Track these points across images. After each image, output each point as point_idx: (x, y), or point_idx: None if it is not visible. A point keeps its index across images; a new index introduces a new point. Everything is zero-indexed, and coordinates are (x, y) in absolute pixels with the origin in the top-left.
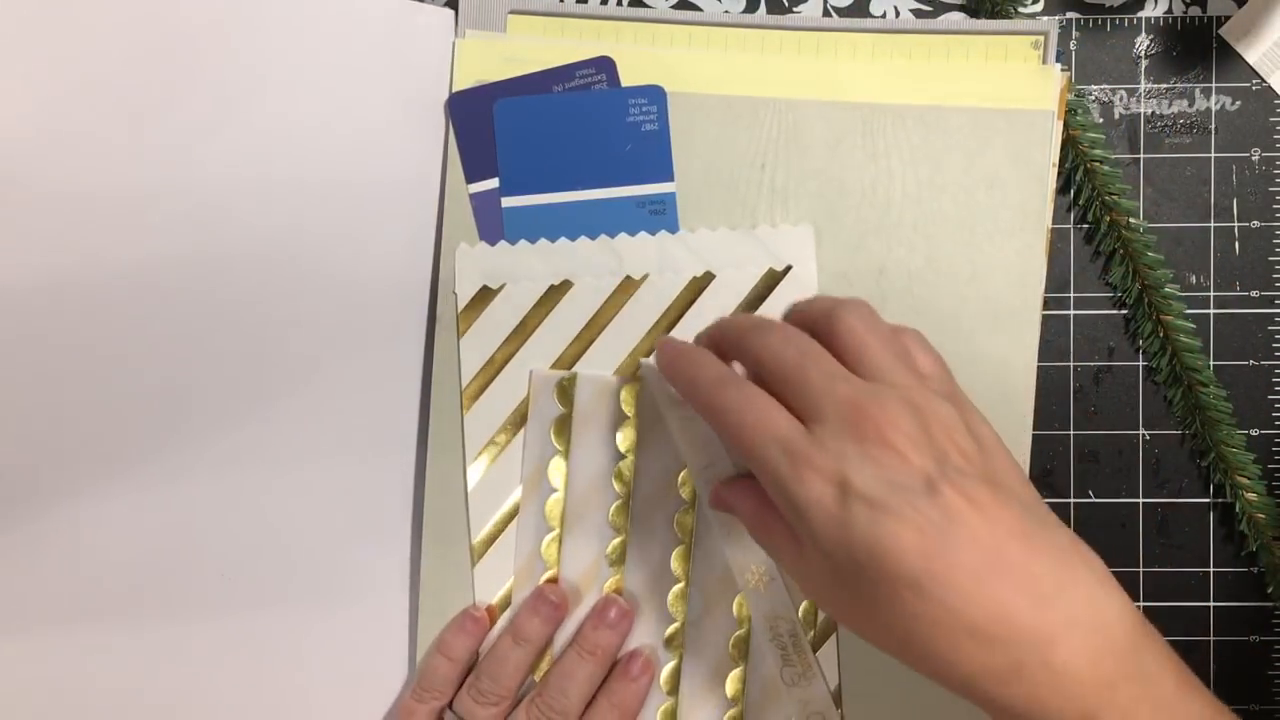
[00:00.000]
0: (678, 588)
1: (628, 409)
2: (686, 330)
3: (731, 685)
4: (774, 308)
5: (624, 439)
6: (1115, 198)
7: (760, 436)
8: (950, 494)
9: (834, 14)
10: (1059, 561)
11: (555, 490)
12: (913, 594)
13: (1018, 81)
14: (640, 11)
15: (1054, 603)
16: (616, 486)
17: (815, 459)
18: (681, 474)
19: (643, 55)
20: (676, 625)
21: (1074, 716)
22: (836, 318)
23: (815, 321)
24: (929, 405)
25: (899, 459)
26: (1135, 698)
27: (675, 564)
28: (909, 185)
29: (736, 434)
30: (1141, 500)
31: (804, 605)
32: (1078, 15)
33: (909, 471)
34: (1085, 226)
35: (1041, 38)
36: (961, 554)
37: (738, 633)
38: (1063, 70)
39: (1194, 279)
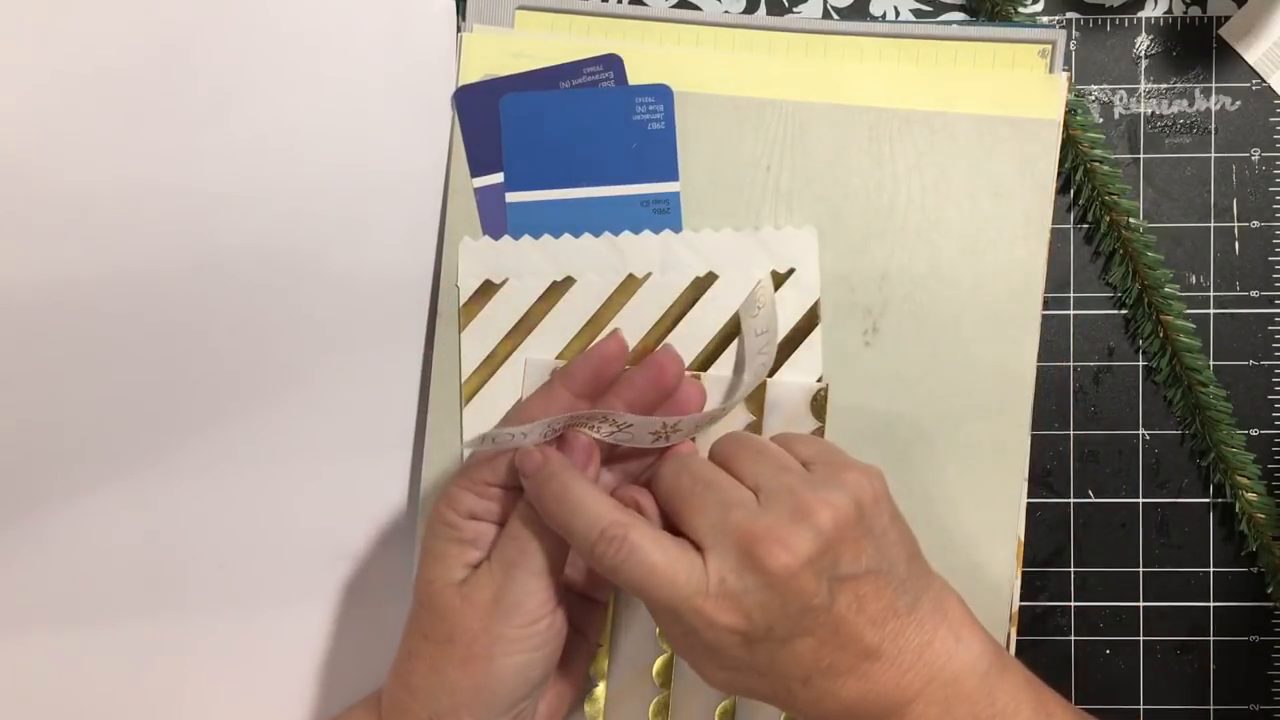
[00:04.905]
0: None
1: None
2: (687, 331)
3: None
4: (777, 309)
5: None
6: (1115, 198)
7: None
8: (840, 608)
9: (834, 14)
10: (921, 629)
11: None
12: (801, 685)
13: (1024, 90)
14: (645, 10)
15: (914, 667)
16: None
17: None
18: None
19: (650, 54)
20: None
21: None
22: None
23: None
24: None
25: (794, 585)
26: None
27: None
28: (914, 190)
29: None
30: (1141, 500)
31: None
32: (1078, 15)
33: (804, 596)
34: (1085, 226)
35: (1049, 46)
36: (843, 654)
37: None
38: (1063, 70)
39: (1194, 279)
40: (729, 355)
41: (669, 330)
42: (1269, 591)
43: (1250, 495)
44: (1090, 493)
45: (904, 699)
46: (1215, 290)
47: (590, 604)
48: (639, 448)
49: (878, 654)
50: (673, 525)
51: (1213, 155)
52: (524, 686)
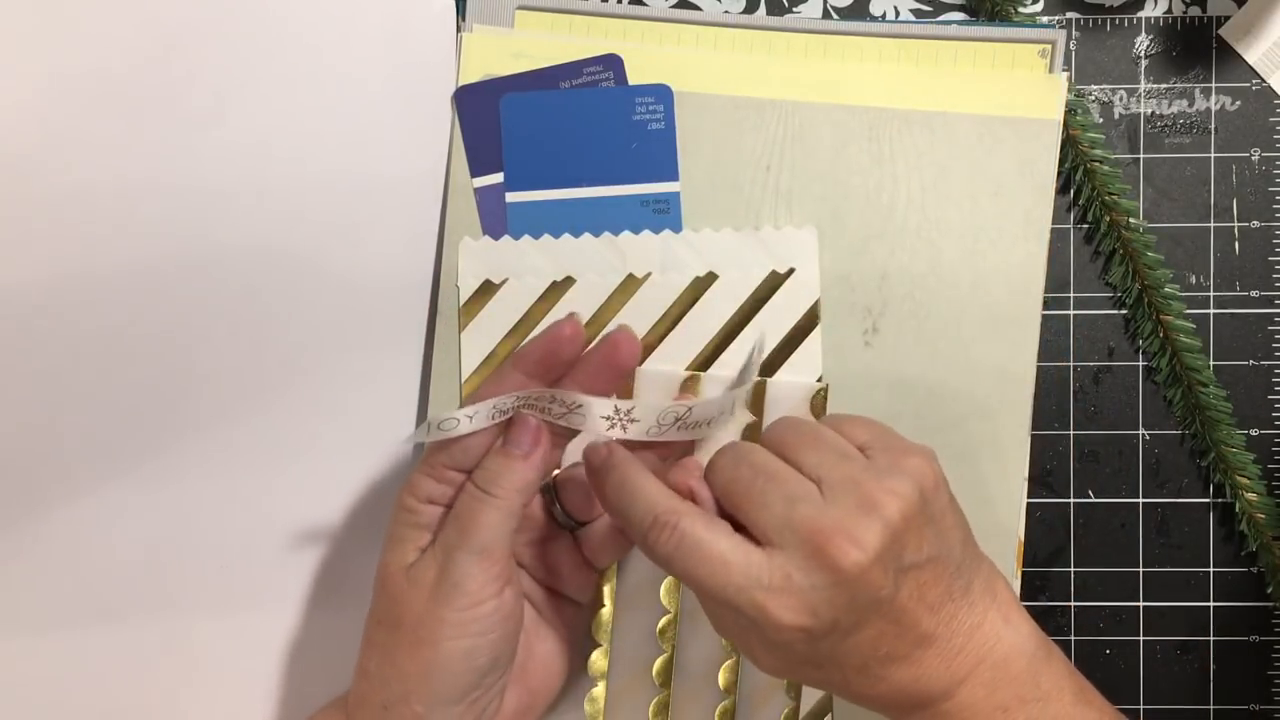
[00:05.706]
0: (670, 579)
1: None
2: (687, 331)
3: (724, 676)
4: (776, 310)
5: None
6: (1115, 198)
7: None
8: (903, 598)
9: (834, 14)
10: (973, 610)
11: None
12: (857, 673)
13: (1024, 90)
14: (645, 10)
15: (965, 649)
16: None
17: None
18: None
19: (650, 54)
20: (669, 617)
21: None
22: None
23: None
24: (885, 501)
25: (865, 580)
26: (1030, 716)
27: None
28: (913, 190)
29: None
30: (1141, 500)
31: None
32: (1078, 15)
33: (872, 590)
34: (1085, 226)
35: (1049, 46)
36: (901, 642)
37: None
38: (1063, 70)
39: (1194, 279)
40: (728, 355)
41: (669, 330)
42: (1269, 591)
43: (1250, 495)
44: (1090, 493)
45: (954, 680)
46: (1215, 290)
47: (568, 604)
48: (637, 441)
49: (932, 639)
50: (731, 518)
51: (1213, 155)
52: (471, 674)
